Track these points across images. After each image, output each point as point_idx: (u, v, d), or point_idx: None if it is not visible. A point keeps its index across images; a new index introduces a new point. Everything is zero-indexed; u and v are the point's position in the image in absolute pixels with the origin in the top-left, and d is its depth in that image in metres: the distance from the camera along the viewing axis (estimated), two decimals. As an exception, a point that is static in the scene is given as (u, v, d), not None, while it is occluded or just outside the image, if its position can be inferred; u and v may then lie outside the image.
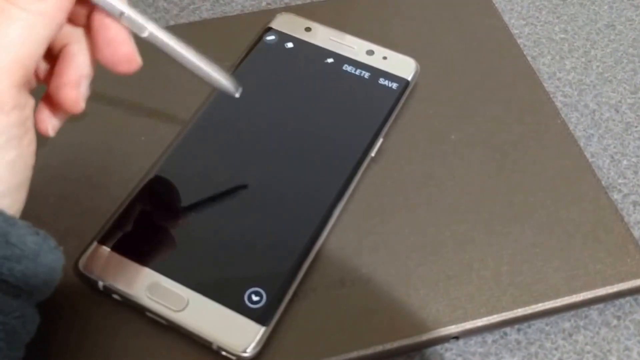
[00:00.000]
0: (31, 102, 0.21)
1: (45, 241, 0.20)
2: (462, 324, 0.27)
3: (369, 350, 0.26)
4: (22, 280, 0.19)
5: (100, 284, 0.26)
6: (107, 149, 0.32)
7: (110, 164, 0.31)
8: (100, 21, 0.22)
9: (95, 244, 0.27)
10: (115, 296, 0.26)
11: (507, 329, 0.28)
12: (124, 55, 0.23)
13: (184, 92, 0.33)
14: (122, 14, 0.23)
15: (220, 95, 0.33)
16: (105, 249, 0.27)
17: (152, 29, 0.23)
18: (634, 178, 0.34)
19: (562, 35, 0.40)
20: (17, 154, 0.20)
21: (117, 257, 0.27)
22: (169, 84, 0.34)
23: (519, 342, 0.28)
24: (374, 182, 0.31)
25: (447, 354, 0.28)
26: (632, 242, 0.29)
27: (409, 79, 0.34)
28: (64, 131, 0.25)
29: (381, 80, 0.34)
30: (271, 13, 0.37)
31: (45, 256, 0.20)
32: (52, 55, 0.23)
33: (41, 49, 0.20)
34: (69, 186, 0.30)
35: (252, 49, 0.35)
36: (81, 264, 0.27)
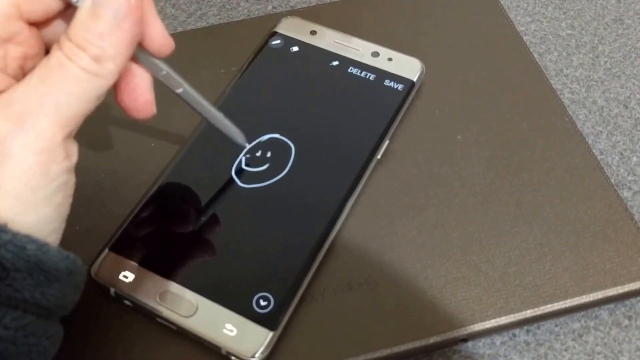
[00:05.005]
0: (76, 149, 0.22)
1: (74, 264, 0.21)
2: (471, 326, 0.27)
3: (377, 354, 0.26)
4: (53, 302, 0.20)
5: (112, 290, 0.27)
6: (116, 156, 0.32)
7: (120, 170, 0.31)
8: (126, 67, 0.23)
9: (106, 251, 0.28)
10: (126, 302, 0.27)
11: (516, 331, 0.28)
12: (144, 104, 0.23)
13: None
14: (161, 71, 0.24)
15: (228, 100, 0.33)
16: (117, 256, 0.28)
17: (186, 87, 0.26)
18: (644, 175, 0.33)
19: (569, 31, 0.40)
20: (63, 196, 0.21)
21: (128, 263, 0.27)
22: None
23: (528, 344, 0.28)
24: (381, 184, 0.31)
25: (455, 357, 0.28)
26: (642, 240, 0.29)
27: (415, 79, 0.34)
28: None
29: (387, 82, 0.34)
30: (277, 17, 0.37)
31: (74, 277, 0.21)
32: None
33: (92, 106, 0.21)
34: (80, 193, 0.30)
35: (258, 54, 0.35)
36: (93, 271, 0.27)
